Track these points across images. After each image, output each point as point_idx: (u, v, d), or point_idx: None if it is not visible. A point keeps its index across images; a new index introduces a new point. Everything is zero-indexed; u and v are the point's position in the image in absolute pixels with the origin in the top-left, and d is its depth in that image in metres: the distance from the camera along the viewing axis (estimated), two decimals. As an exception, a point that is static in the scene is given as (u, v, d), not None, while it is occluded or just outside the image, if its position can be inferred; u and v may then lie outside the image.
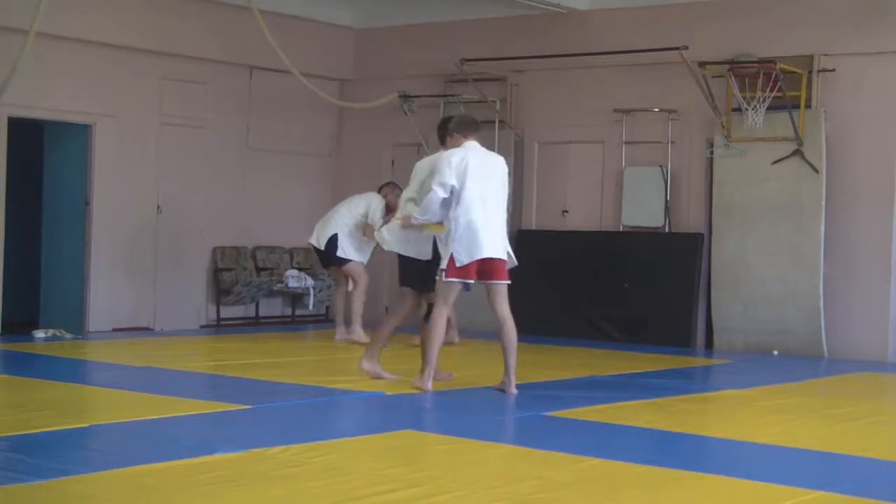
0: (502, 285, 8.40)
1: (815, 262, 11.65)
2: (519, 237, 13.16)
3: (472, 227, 8.23)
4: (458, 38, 13.72)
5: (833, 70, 11.71)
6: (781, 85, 11.37)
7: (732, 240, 12.10)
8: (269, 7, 12.47)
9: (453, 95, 13.57)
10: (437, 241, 8.56)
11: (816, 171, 11.65)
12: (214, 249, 13.52)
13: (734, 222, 12.10)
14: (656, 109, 12.66)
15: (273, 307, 14.22)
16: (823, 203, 11.64)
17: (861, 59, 11.65)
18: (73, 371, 9.43)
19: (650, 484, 5.57)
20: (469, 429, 7.03)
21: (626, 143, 12.90)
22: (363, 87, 14.36)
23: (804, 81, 11.59)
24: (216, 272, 13.48)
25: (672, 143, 12.61)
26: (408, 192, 8.89)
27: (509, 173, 8.71)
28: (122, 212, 12.54)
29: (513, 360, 8.38)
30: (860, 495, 5.34)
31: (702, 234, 12.44)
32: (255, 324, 13.86)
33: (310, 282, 13.76)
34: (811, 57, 11.73)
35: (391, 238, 11.33)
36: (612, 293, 12.71)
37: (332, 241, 11.58)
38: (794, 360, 11.29)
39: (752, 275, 11.93)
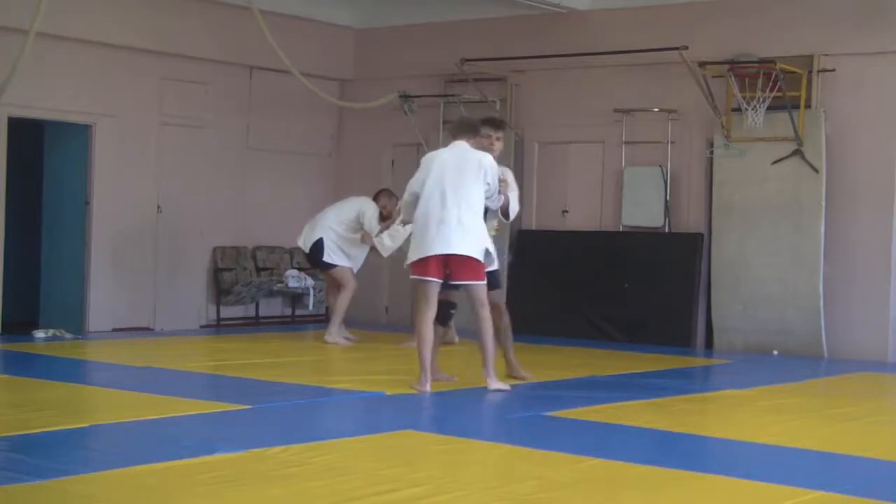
0: (472, 286, 8.28)
1: (815, 262, 11.65)
2: (519, 237, 13.16)
3: (425, 223, 8.28)
4: (458, 38, 13.72)
5: (833, 70, 11.71)
6: (781, 85, 11.37)
7: (732, 240, 12.10)
8: (269, 7, 12.47)
9: (453, 95, 13.57)
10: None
11: (816, 171, 11.65)
12: (214, 249, 13.53)
13: (734, 222, 12.10)
14: (656, 109, 12.66)
15: (273, 307, 14.22)
16: (823, 203, 11.64)
17: (861, 59, 11.65)
18: (73, 371, 9.43)
19: (650, 484, 5.57)
20: (469, 429, 7.03)
21: (626, 143, 12.90)
22: (363, 87, 14.36)
23: (804, 81, 11.59)
24: (216, 272, 13.49)
25: (672, 143, 12.61)
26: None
27: (514, 174, 8.68)
28: (122, 212, 12.54)
29: (487, 354, 8.32)
30: (860, 495, 5.34)
31: (702, 234, 12.44)
32: (255, 324, 13.86)
33: (310, 282, 13.76)
34: (811, 57, 11.73)
35: (393, 244, 11.34)
36: (612, 293, 12.71)
37: (318, 246, 11.51)
38: (794, 360, 11.29)
39: (752, 275, 11.93)
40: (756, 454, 6.49)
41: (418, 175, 8.46)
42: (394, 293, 14.17)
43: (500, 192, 8.45)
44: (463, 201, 8.22)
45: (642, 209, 12.74)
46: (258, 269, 13.86)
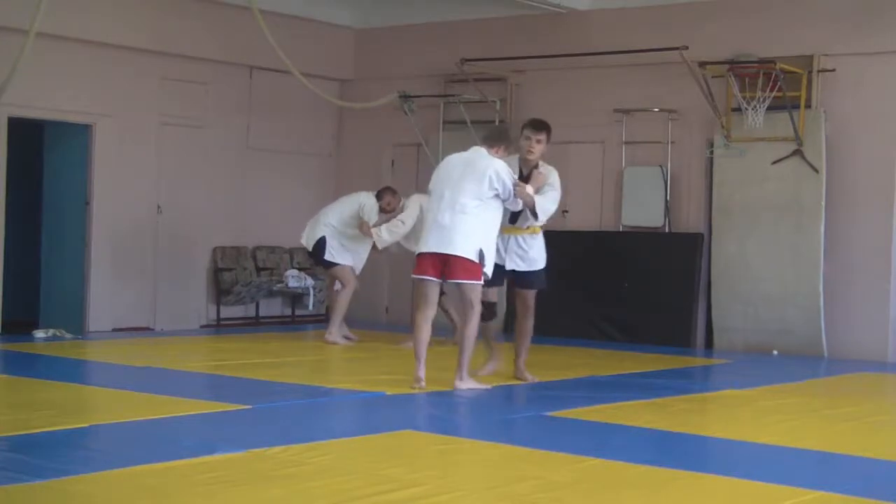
0: (464, 285, 8.37)
1: (815, 262, 11.65)
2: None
3: (426, 222, 8.65)
4: (458, 38, 13.72)
5: (833, 70, 11.71)
6: (781, 85, 11.37)
7: (732, 240, 12.10)
8: (269, 7, 12.47)
9: (453, 95, 13.57)
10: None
11: (816, 171, 11.65)
12: (214, 249, 13.53)
13: (734, 222, 12.10)
14: (656, 109, 12.66)
15: (273, 307, 14.22)
16: (823, 203, 11.64)
17: (861, 59, 11.65)
18: (73, 371, 9.42)
19: (650, 484, 5.57)
20: (469, 429, 7.03)
21: (626, 143, 12.90)
22: (363, 87, 14.36)
23: (804, 81, 11.59)
24: (216, 272, 13.49)
25: (672, 143, 12.61)
26: None
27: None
28: (122, 212, 12.54)
29: (461, 356, 8.42)
30: (860, 495, 5.34)
31: (702, 234, 12.44)
32: (255, 324, 13.86)
33: (310, 282, 13.76)
34: (811, 57, 11.73)
35: (390, 238, 11.45)
36: (612, 293, 12.71)
37: (321, 244, 11.51)
38: (794, 360, 11.29)
39: (752, 275, 11.93)
40: (756, 454, 6.49)
41: (433, 176, 8.78)
42: (394, 293, 14.17)
43: (516, 196, 8.47)
44: (458, 203, 8.31)
45: (642, 209, 12.74)
46: (258, 269, 13.87)
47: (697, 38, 11.91)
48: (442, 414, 7.72)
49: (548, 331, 12.44)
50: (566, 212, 13.35)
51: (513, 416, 7.67)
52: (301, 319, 14.28)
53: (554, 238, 13.30)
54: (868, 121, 11.62)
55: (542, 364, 9.67)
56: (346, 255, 11.58)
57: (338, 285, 11.68)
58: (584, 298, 12.85)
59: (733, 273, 12.06)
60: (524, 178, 8.74)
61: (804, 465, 6.23)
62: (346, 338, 11.67)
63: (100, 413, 7.42)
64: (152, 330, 12.72)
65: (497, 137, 8.67)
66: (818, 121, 11.68)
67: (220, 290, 13.48)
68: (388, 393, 8.23)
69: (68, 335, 11.52)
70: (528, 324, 9.05)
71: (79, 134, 12.35)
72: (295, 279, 13.72)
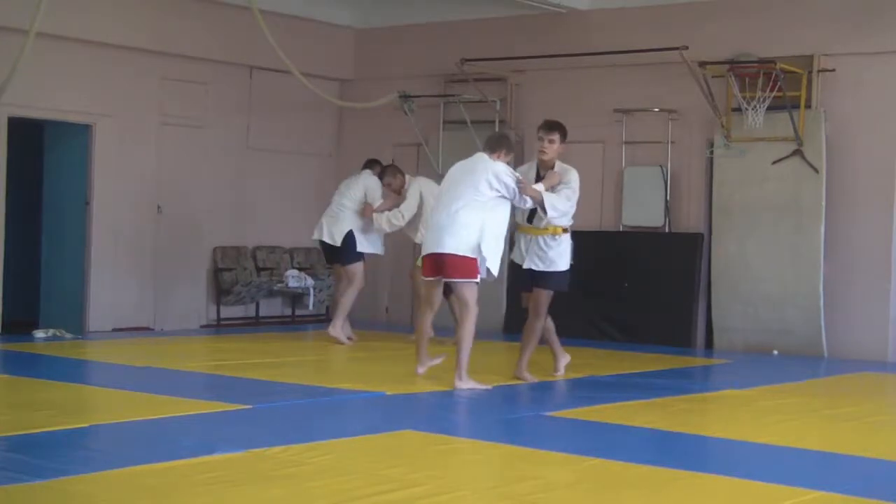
0: (455, 283, 8.66)
1: (815, 262, 11.65)
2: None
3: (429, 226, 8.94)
4: (458, 38, 13.72)
5: (833, 70, 11.71)
6: (781, 85, 11.37)
7: (732, 240, 12.10)
8: (269, 7, 12.47)
9: (453, 95, 13.57)
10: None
11: (816, 171, 11.65)
12: (214, 249, 13.53)
13: (734, 222, 12.10)
14: (656, 109, 12.66)
15: (273, 307, 14.22)
16: (823, 203, 11.64)
17: (861, 59, 11.65)
18: (73, 371, 9.42)
19: (650, 484, 5.57)
20: (469, 429, 7.04)
21: (626, 143, 12.90)
22: (363, 87, 14.37)
23: (804, 81, 11.59)
24: (216, 272, 13.49)
25: (672, 143, 12.61)
26: None
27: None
28: (122, 212, 12.54)
29: (459, 355, 8.56)
30: (860, 495, 5.34)
31: (702, 234, 12.44)
32: (255, 324, 13.86)
33: (310, 282, 13.77)
34: (811, 57, 11.73)
35: (388, 227, 11.60)
36: (612, 293, 12.70)
37: (350, 238, 11.48)
38: (794, 360, 11.29)
39: (752, 275, 11.93)
40: (756, 454, 6.49)
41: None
42: (394, 293, 14.18)
43: (521, 193, 8.62)
44: (452, 207, 8.53)
45: (642, 209, 12.73)
46: (258, 269, 13.86)
47: (697, 38, 11.91)
48: (442, 414, 7.73)
49: (548, 331, 12.47)
50: (566, 212, 13.37)
51: (513, 416, 7.67)
52: (301, 319, 14.28)
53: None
54: (868, 121, 11.62)
55: (542, 364, 9.67)
56: (368, 244, 11.54)
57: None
58: (585, 298, 12.84)
59: (733, 273, 12.06)
60: (540, 178, 8.91)
61: (804, 465, 6.23)
62: (348, 338, 11.66)
63: (100, 413, 7.43)
64: (152, 330, 12.72)
65: (497, 143, 8.86)
66: (818, 121, 11.68)
67: (220, 290, 13.48)
68: (388, 393, 8.23)
69: (68, 335, 11.52)
70: (534, 324, 9.11)
71: (79, 134, 12.35)
72: (295, 279, 13.72)
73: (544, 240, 8.96)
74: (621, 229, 12.91)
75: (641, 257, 12.65)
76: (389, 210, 11.43)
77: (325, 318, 14.20)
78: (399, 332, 12.50)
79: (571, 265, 9.12)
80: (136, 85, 12.63)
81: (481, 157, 8.72)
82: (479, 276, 8.49)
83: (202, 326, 13.31)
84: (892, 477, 6.03)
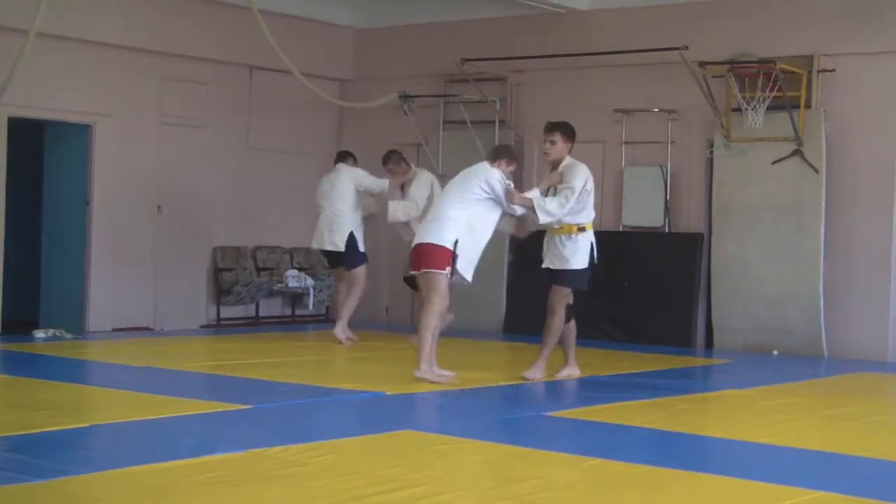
0: (426, 273, 8.68)
1: (815, 262, 11.64)
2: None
3: None
4: (459, 38, 13.72)
5: (833, 70, 11.71)
6: (781, 85, 11.37)
7: (732, 240, 12.10)
8: (269, 7, 12.47)
9: (453, 95, 13.57)
10: None
11: (816, 171, 11.65)
12: (214, 249, 13.53)
13: (734, 222, 12.10)
14: (656, 109, 12.66)
15: (273, 307, 14.22)
16: (823, 203, 11.64)
17: (861, 59, 11.65)
18: (73, 371, 9.42)
19: (650, 484, 5.57)
20: (469, 429, 7.03)
21: (626, 143, 12.90)
22: (363, 87, 14.37)
23: (804, 81, 11.59)
24: (216, 272, 13.49)
25: (672, 143, 12.61)
26: None
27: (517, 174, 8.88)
28: (122, 212, 12.54)
29: (420, 343, 8.64)
30: (860, 495, 5.34)
31: (702, 234, 12.44)
32: (255, 324, 13.86)
33: (310, 282, 13.77)
34: (811, 57, 11.73)
35: (401, 216, 11.65)
36: (612, 293, 12.69)
37: (352, 241, 11.48)
38: (794, 360, 11.29)
39: (752, 275, 11.93)
40: (756, 454, 6.49)
41: None
42: (394, 293, 14.17)
43: (509, 202, 8.78)
44: (444, 203, 8.81)
45: (642, 209, 12.73)
46: (258, 269, 13.86)
47: (697, 38, 11.91)
48: (442, 414, 7.73)
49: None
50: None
51: (513, 416, 7.67)
52: (301, 319, 14.28)
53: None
54: (868, 121, 11.62)
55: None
56: (362, 241, 11.62)
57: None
58: (585, 298, 12.80)
59: (733, 273, 12.06)
60: None
61: (804, 465, 6.23)
62: (349, 338, 11.66)
63: (100, 413, 7.42)
64: (152, 330, 12.72)
65: (497, 152, 9.10)
66: (818, 121, 11.68)
67: (221, 290, 13.48)
68: (388, 393, 8.23)
69: (68, 335, 11.52)
70: (550, 322, 9.19)
71: (79, 134, 12.35)
72: (295, 279, 13.72)
73: (560, 239, 9.07)
74: (621, 229, 12.91)
75: (641, 257, 12.65)
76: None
77: (325, 319, 14.23)
78: (399, 332, 12.49)
79: (594, 264, 9.19)
80: (136, 85, 12.63)
81: (481, 165, 8.95)
82: (447, 269, 8.54)
83: (202, 326, 13.31)
84: (892, 477, 6.03)
